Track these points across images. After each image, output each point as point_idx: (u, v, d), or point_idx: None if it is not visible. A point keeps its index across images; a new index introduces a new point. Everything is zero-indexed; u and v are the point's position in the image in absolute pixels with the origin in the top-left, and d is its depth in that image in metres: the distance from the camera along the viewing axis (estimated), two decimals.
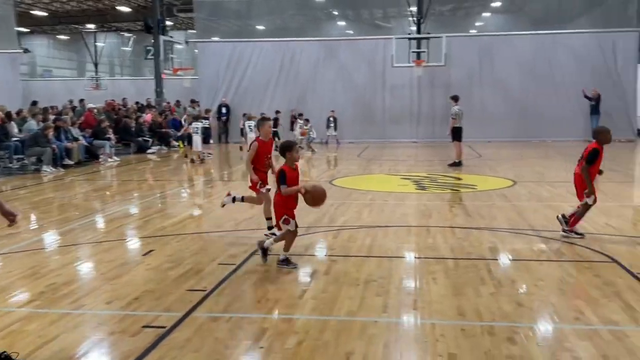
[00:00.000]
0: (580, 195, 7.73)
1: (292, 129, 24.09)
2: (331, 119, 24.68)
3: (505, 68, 25.07)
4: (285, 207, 6.42)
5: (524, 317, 4.98)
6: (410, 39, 24.90)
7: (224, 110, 25.88)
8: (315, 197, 6.46)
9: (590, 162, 7.54)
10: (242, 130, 20.63)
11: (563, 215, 7.85)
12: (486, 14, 38.79)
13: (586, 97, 23.23)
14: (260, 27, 36.19)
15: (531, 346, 4.38)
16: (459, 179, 14.19)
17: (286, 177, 6.33)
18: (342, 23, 41.50)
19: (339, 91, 25.85)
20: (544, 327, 4.82)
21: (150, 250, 7.42)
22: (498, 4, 35.25)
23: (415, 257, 7.03)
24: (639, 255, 6.91)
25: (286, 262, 6.47)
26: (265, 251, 6.59)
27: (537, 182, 12.92)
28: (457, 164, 16.37)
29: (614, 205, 10.43)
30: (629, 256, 6.79)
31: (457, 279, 6.08)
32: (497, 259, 6.87)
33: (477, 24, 39.72)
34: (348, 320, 4.97)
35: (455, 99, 16.83)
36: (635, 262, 6.54)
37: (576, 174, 7.81)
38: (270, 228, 7.85)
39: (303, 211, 9.78)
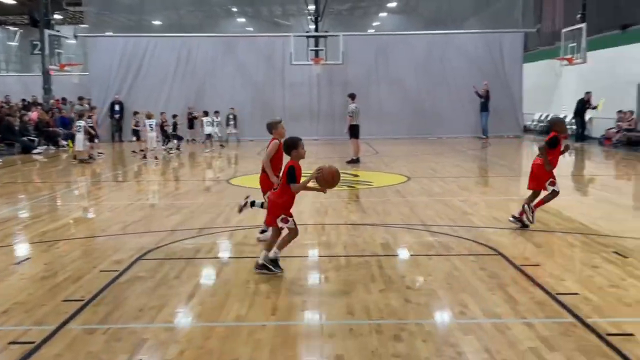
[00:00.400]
0: (537, 186, 8.07)
1: (190, 127, 23.50)
2: (231, 116, 24.30)
3: (401, 67, 25.65)
4: (284, 207, 6.03)
5: (411, 313, 4.99)
6: (308, 37, 24.96)
7: (117, 107, 24.83)
8: (328, 179, 5.90)
9: (551, 146, 7.94)
10: (134, 130, 19.79)
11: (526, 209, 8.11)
12: (383, 14, 39.68)
13: (477, 93, 24.19)
14: (157, 23, 35.07)
15: (417, 343, 4.38)
16: (356, 175, 14.32)
17: (296, 173, 5.92)
18: (241, 20, 41.06)
19: (238, 88, 25.49)
20: (430, 322, 4.84)
21: (26, 258, 6.90)
22: (394, 4, 36.14)
23: (308, 256, 6.95)
24: (521, 247, 7.16)
25: (274, 263, 6.00)
26: (276, 262, 6.03)
27: (429, 178, 13.24)
28: (355, 161, 16.54)
29: (501, 199, 10.86)
30: (513, 248, 7.03)
31: (349, 276, 6.05)
32: (388, 255, 6.91)
33: (374, 23, 40.56)
34: (235, 325, 4.79)
35: (352, 97, 16.98)
36: (518, 254, 6.77)
37: (534, 164, 8.15)
38: (263, 232, 7.45)
39: (196, 212, 9.58)
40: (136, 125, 19.21)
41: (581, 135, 21.85)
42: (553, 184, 8.02)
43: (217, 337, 4.54)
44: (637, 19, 20.42)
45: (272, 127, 7.44)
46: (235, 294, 5.51)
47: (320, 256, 6.97)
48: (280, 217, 5.99)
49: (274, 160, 7.19)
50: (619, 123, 20.58)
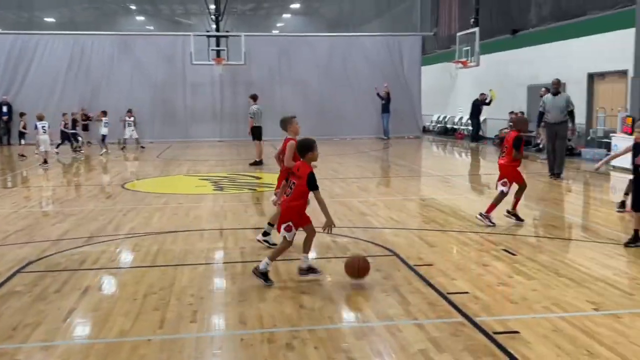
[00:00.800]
0: (516, 181, 8.32)
1: (85, 129, 22.46)
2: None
3: (305, 68, 25.73)
4: (298, 212, 5.80)
5: (305, 320, 4.89)
6: (208, 36, 24.53)
7: (4, 109, 23.35)
8: (360, 270, 5.77)
9: (518, 148, 8.24)
10: (21, 133, 18.63)
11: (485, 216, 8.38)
12: (286, 15, 39.75)
13: (378, 95, 24.63)
14: (49, 20, 33.39)
15: (308, 350, 4.28)
16: (259, 178, 14.16)
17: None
18: (140, 18, 39.81)
19: (136, 88, 24.66)
20: (323, 328, 4.74)
21: None
22: (297, 5, 36.28)
23: (202, 263, 6.70)
24: (416, 247, 7.24)
25: (264, 276, 5.76)
26: (266, 275, 5.75)
27: (331, 179, 13.27)
28: (257, 163, 16.37)
29: (399, 199, 11.02)
30: (408, 248, 7.11)
31: (244, 284, 5.87)
32: (285, 260, 6.76)
33: (278, 24, 40.54)
34: (117, 341, 4.50)
35: (254, 98, 16.81)
36: (413, 254, 6.84)
37: (501, 165, 8.39)
38: (265, 234, 7.24)
39: (85, 219, 9.07)
40: (24, 128, 18.08)
41: (476, 135, 22.71)
42: (505, 184, 8.27)
43: (97, 355, 4.24)
44: (526, 24, 21.50)
45: (286, 123, 7.23)
46: (120, 307, 5.20)
47: (215, 263, 6.75)
48: (286, 225, 5.76)
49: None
50: (511, 124, 21.55)
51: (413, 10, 27.87)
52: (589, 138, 17.67)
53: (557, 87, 13.37)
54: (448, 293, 5.44)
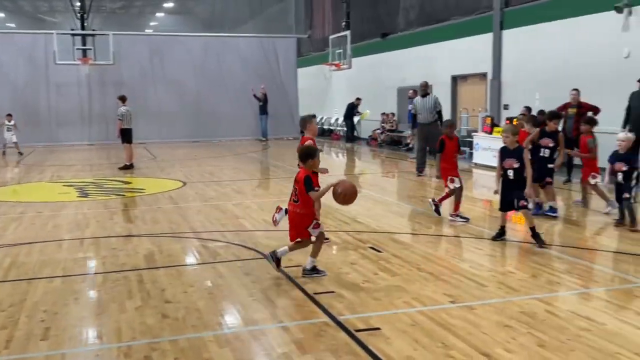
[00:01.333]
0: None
1: None
2: None
3: (178, 68, 25.15)
4: (310, 216, 5.91)
5: (166, 330, 4.70)
6: (73, 35, 23.31)
7: None
8: (348, 194, 5.88)
9: (439, 151, 8.72)
10: None
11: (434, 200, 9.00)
12: (160, 14, 38.69)
13: (255, 97, 24.53)
14: None
15: None
16: (128, 182, 13.61)
17: (313, 182, 5.88)
18: None
19: None
20: (184, 338, 4.58)
21: None
22: (170, 4, 35.42)
23: (58, 276, 6.28)
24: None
25: (314, 270, 5.98)
26: (279, 261, 6.01)
27: (205, 182, 13.03)
28: (128, 167, 15.73)
29: (273, 200, 10.97)
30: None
31: (103, 295, 5.57)
32: (150, 268, 6.52)
33: (151, 23, 39.38)
34: None
35: (122, 99, 16.13)
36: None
37: (443, 167, 8.79)
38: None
39: None
40: None
41: (351, 136, 23.24)
42: (452, 181, 8.58)
43: None
44: (395, 28, 22.29)
45: (305, 122, 7.22)
46: None
47: (73, 275, 6.34)
48: (313, 224, 5.90)
49: None
50: (383, 124, 22.29)
51: (288, 12, 28.07)
52: None
53: (424, 89, 13.98)
54: (315, 293, 5.46)
